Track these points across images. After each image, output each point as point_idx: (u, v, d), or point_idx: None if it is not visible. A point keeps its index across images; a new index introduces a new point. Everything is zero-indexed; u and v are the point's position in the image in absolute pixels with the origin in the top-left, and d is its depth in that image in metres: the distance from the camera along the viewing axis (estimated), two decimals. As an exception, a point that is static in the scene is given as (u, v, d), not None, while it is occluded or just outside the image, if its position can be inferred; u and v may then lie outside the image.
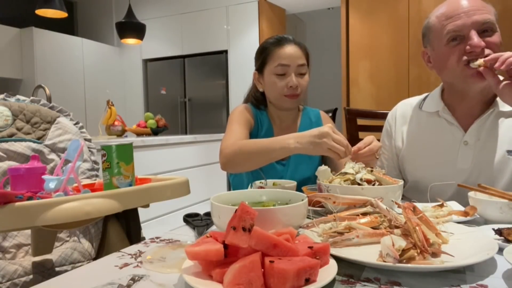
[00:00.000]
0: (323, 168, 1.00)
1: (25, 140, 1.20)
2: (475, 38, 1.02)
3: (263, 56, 1.35)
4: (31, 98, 1.29)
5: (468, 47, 1.04)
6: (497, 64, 0.95)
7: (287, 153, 1.09)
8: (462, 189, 0.97)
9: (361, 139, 1.07)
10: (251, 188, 1.12)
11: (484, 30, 1.05)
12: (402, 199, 0.96)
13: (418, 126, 1.25)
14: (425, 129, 1.23)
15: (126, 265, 0.68)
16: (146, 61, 5.60)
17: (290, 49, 1.31)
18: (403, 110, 1.31)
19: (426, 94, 1.30)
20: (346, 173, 0.96)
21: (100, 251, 1.15)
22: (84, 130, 1.36)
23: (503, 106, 1.11)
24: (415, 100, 1.32)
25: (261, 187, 1.06)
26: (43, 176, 0.85)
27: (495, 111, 1.12)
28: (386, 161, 1.35)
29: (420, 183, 1.22)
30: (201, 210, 1.00)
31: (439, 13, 1.11)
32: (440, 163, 1.18)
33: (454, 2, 1.09)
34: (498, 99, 1.12)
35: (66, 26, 5.47)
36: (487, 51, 1.03)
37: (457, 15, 1.06)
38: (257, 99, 1.43)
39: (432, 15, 1.15)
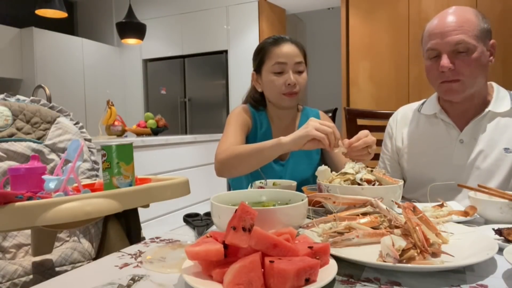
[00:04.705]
0: (323, 168, 1.00)
1: (25, 140, 1.20)
2: (443, 60, 1.10)
3: (260, 56, 1.36)
4: (31, 98, 1.29)
5: (439, 67, 1.12)
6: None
7: (279, 150, 1.09)
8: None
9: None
10: (251, 188, 1.13)
11: (458, 50, 1.10)
12: (401, 199, 0.96)
13: (417, 127, 1.31)
14: (423, 129, 1.29)
15: (126, 265, 0.68)
16: (146, 61, 5.60)
17: (287, 48, 1.32)
18: (404, 113, 1.38)
19: (424, 99, 1.36)
20: (346, 173, 0.96)
21: (100, 251, 1.15)
22: (84, 130, 1.36)
23: (497, 108, 1.17)
24: (414, 104, 1.39)
25: (261, 187, 1.06)
26: (43, 176, 0.85)
27: (490, 112, 1.17)
28: (389, 162, 1.39)
29: (419, 180, 1.26)
30: (201, 210, 1.00)
31: (428, 27, 1.18)
32: (437, 160, 1.23)
33: (439, 19, 1.15)
34: (492, 101, 1.18)
35: (66, 26, 5.47)
36: (456, 75, 1.11)
37: (435, 34, 1.13)
38: (255, 100, 1.43)
39: (427, 25, 1.20)
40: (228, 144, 1.24)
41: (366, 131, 1.06)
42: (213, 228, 0.88)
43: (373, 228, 0.72)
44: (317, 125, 1.02)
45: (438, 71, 1.13)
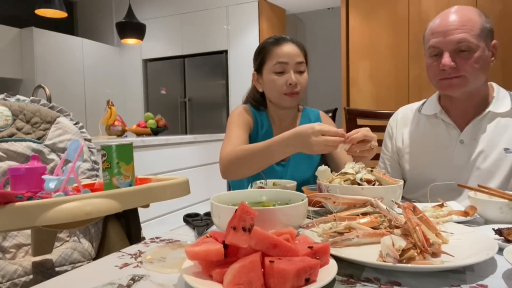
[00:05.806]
0: (323, 168, 1.00)
1: (25, 140, 1.20)
2: (445, 58, 1.11)
3: (261, 56, 1.36)
4: (31, 98, 1.29)
5: (441, 65, 1.12)
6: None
7: (286, 155, 1.10)
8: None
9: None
10: (251, 188, 1.13)
11: (460, 49, 1.10)
12: (401, 199, 0.96)
13: (417, 127, 1.31)
14: (424, 130, 1.29)
15: (126, 265, 0.68)
16: (146, 61, 5.60)
17: (288, 47, 1.32)
18: (404, 113, 1.38)
19: (425, 99, 1.36)
20: (346, 173, 0.96)
21: (100, 251, 1.15)
22: (84, 130, 1.36)
23: (498, 108, 1.18)
24: (415, 105, 1.38)
25: (261, 187, 1.06)
26: (43, 176, 0.85)
27: (490, 112, 1.18)
28: (389, 162, 1.39)
29: (419, 180, 1.26)
30: (201, 210, 1.00)
31: (430, 25, 1.18)
32: (437, 161, 1.23)
33: (442, 17, 1.15)
34: (492, 101, 1.18)
35: (66, 26, 5.47)
36: (458, 72, 1.11)
37: (437, 33, 1.13)
38: (256, 100, 1.43)
39: (429, 23, 1.20)
40: (232, 145, 1.24)
41: (366, 128, 1.04)
42: (213, 228, 0.88)
43: (373, 228, 0.72)
44: (322, 148, 0.98)
45: (439, 69, 1.13)
